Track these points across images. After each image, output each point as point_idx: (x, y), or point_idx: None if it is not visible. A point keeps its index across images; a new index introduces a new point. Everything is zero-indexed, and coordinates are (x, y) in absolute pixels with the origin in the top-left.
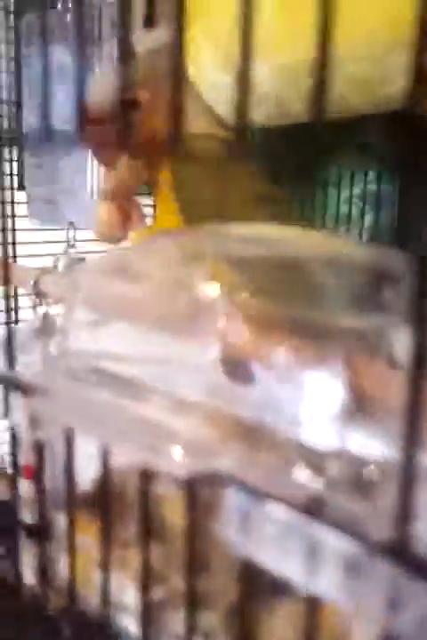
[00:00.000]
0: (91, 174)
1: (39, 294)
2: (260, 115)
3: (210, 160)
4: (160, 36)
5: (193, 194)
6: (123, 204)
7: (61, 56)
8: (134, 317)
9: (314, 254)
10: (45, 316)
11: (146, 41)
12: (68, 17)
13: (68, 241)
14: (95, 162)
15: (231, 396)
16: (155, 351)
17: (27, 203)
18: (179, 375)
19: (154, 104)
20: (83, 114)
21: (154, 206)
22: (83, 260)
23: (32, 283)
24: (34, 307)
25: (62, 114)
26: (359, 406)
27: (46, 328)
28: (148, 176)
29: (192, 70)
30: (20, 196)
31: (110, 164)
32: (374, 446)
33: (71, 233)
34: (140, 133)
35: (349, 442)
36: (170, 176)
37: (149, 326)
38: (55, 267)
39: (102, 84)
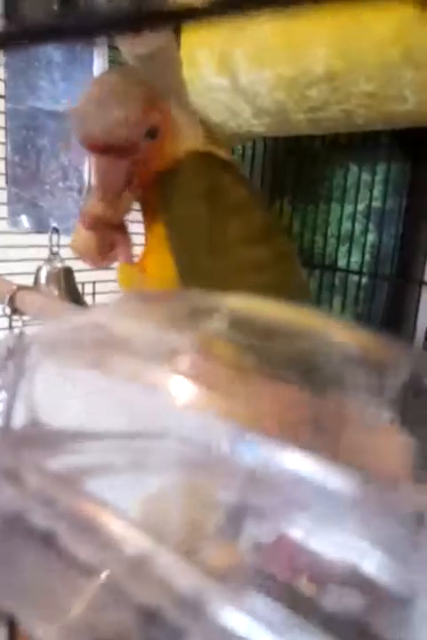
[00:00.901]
0: (77, 178)
1: (15, 311)
2: (261, 125)
3: (205, 187)
4: (152, 40)
5: (186, 227)
6: (104, 233)
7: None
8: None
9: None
10: (19, 336)
11: (137, 46)
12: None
13: (51, 247)
14: (82, 165)
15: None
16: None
17: (7, 204)
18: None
19: (167, 123)
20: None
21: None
22: (68, 269)
23: (7, 298)
24: (9, 324)
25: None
26: None
27: (18, 350)
28: (140, 204)
29: (187, 73)
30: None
31: (112, 197)
32: None
33: (55, 238)
34: (156, 161)
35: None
36: (160, 204)
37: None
38: (37, 277)
39: (102, 112)
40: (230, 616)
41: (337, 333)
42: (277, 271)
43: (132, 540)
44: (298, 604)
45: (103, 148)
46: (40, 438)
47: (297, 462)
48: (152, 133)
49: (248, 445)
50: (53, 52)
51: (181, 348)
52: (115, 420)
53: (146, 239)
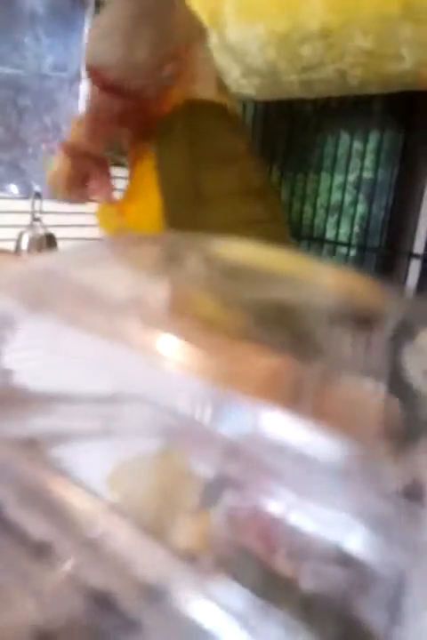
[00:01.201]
0: (60, 140)
1: None
2: (250, 86)
3: (202, 134)
4: None
5: (180, 176)
6: (82, 163)
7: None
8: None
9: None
10: None
11: None
12: None
13: (33, 212)
14: (64, 126)
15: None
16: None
17: None
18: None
19: (184, 69)
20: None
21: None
22: (51, 236)
23: None
24: None
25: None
26: None
27: None
28: (127, 145)
29: None
30: None
31: (99, 133)
32: None
33: (37, 204)
34: (163, 107)
35: None
36: (154, 149)
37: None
38: (18, 244)
39: (110, 43)
40: (195, 605)
41: (324, 280)
42: (270, 230)
43: (92, 516)
44: (275, 586)
45: (108, 87)
46: (4, 397)
47: (277, 427)
48: (165, 82)
49: (225, 410)
50: (38, 8)
51: (156, 300)
52: (84, 380)
53: (130, 181)
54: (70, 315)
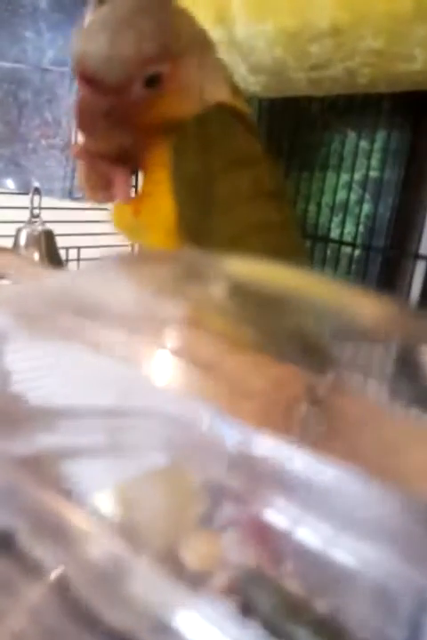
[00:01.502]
0: (61, 135)
1: None
2: (257, 84)
3: (220, 140)
4: None
5: (195, 181)
6: (99, 165)
7: None
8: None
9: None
10: None
11: None
12: None
13: (31, 208)
14: (65, 122)
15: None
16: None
17: None
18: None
19: (177, 79)
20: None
21: (139, 178)
22: (49, 232)
23: None
24: None
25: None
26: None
27: None
28: (136, 148)
29: None
30: None
31: (89, 131)
32: None
33: (36, 199)
34: (151, 114)
35: None
36: (167, 151)
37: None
38: (16, 240)
39: (98, 38)
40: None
41: (342, 304)
42: (284, 236)
43: (101, 543)
44: (289, 607)
45: (88, 79)
46: (8, 415)
47: (285, 455)
48: (152, 81)
49: (232, 430)
50: (40, 1)
51: (169, 318)
52: (92, 396)
53: (144, 182)
54: (75, 329)
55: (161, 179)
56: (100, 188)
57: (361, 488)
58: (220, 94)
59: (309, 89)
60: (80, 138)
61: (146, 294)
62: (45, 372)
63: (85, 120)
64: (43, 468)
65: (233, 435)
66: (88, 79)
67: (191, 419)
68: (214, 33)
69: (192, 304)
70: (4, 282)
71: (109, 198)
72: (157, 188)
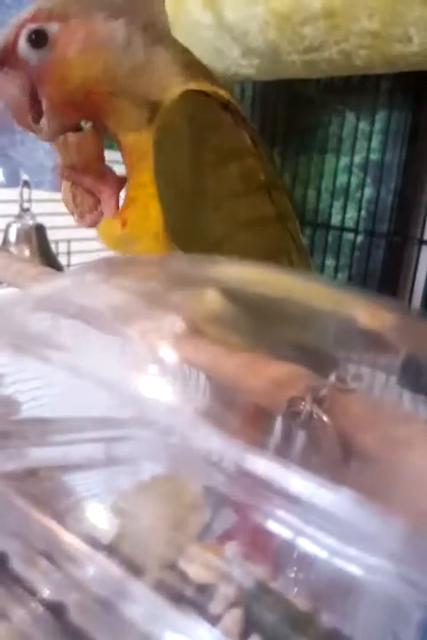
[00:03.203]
0: None
1: None
2: (250, 67)
3: (199, 130)
4: None
5: (182, 178)
6: (85, 182)
7: None
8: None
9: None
10: None
11: None
12: None
13: (21, 201)
14: None
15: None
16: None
17: None
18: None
19: (66, 42)
20: None
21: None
22: (40, 226)
23: None
24: None
25: None
26: None
27: None
28: (121, 148)
29: (171, 8)
30: None
31: (24, 121)
32: None
33: (26, 193)
34: (48, 82)
35: None
36: (148, 147)
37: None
38: (6, 235)
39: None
40: None
41: (339, 306)
42: (277, 231)
43: (97, 565)
44: (293, 620)
45: None
46: (5, 430)
47: (277, 472)
48: (37, 41)
49: (225, 444)
50: None
51: (162, 326)
52: (85, 408)
53: (127, 190)
54: (70, 339)
55: (145, 182)
56: (87, 208)
57: (355, 508)
58: (181, 75)
59: (303, 72)
60: (59, 158)
61: (137, 302)
62: (38, 384)
63: (12, 107)
64: (36, 484)
65: (226, 448)
66: None
67: (185, 431)
68: (204, 17)
69: (186, 312)
70: None
71: (97, 219)
72: (142, 191)
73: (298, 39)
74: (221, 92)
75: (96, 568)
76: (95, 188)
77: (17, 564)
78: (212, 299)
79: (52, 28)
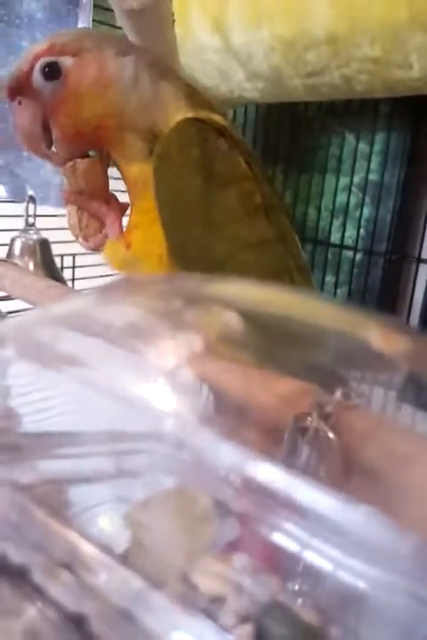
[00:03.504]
0: None
1: None
2: (254, 90)
3: (199, 156)
4: None
5: (183, 202)
6: (90, 207)
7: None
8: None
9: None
10: None
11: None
12: None
13: (27, 217)
14: None
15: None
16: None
17: None
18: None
19: (79, 75)
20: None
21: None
22: (44, 240)
23: None
24: None
25: None
26: None
27: None
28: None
29: (179, 32)
30: None
31: (33, 149)
32: None
33: (31, 208)
34: (60, 114)
35: None
36: (148, 174)
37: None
38: (11, 249)
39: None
40: None
41: (350, 326)
42: (277, 252)
43: (115, 577)
44: (302, 635)
45: (8, 89)
46: (16, 443)
47: (286, 483)
48: (50, 73)
49: (234, 455)
50: (36, 10)
51: (178, 343)
52: (100, 421)
53: (131, 213)
54: (81, 353)
55: (148, 207)
56: (92, 232)
57: (366, 522)
58: (182, 105)
59: (306, 95)
60: (65, 183)
61: (153, 320)
62: (50, 398)
63: (23, 136)
64: (51, 497)
65: (235, 462)
66: (6, 92)
67: (195, 444)
68: (211, 41)
69: (198, 330)
70: None
71: (101, 242)
72: (145, 216)
73: (301, 64)
74: (217, 119)
75: (115, 578)
76: (100, 213)
77: (38, 576)
78: (226, 318)
79: (66, 61)
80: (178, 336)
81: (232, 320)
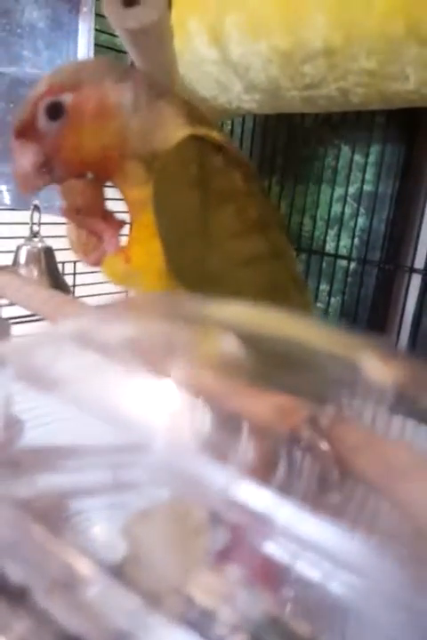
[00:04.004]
0: None
1: None
2: (252, 102)
3: (197, 173)
4: (145, 13)
5: (183, 219)
6: (88, 223)
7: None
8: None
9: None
10: None
11: (128, 19)
12: None
13: (31, 225)
14: None
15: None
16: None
17: None
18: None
19: (81, 110)
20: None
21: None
22: (49, 248)
23: None
24: None
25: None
26: None
27: None
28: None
29: (177, 45)
30: None
31: (26, 186)
32: None
33: (36, 216)
34: (64, 150)
35: None
36: (148, 193)
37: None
38: (16, 257)
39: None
40: None
41: (338, 349)
42: (274, 267)
43: (116, 605)
44: None
45: (13, 131)
46: (15, 457)
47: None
48: (54, 113)
49: (225, 474)
50: (38, 20)
51: (175, 360)
52: (92, 433)
53: (131, 228)
54: (79, 366)
55: (148, 222)
56: (91, 247)
57: (351, 544)
58: (180, 123)
59: (303, 107)
60: (64, 202)
61: (150, 338)
62: (47, 414)
63: (19, 173)
64: (49, 512)
65: (227, 477)
66: (12, 130)
67: (188, 459)
68: (209, 52)
69: (195, 350)
70: (3, 301)
71: (101, 257)
72: (144, 232)
73: (299, 76)
74: (215, 135)
75: (113, 597)
76: (98, 229)
77: (37, 596)
78: (223, 340)
79: (67, 98)
80: (175, 354)
81: (229, 342)
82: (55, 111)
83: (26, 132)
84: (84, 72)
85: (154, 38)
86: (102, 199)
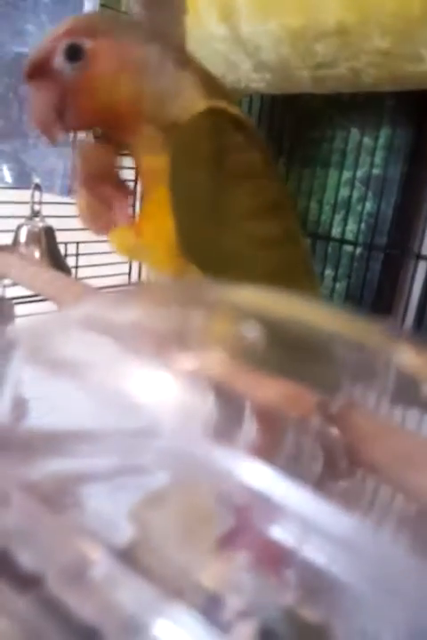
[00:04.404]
0: None
1: None
2: (261, 81)
3: (215, 148)
4: None
5: (198, 195)
6: (100, 191)
7: None
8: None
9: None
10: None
11: None
12: None
13: (32, 204)
14: None
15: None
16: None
17: None
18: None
19: (101, 57)
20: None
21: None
22: (50, 228)
23: None
24: None
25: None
26: None
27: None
28: (134, 161)
29: (187, 21)
30: None
31: (45, 131)
32: None
33: (37, 195)
34: (80, 96)
35: None
36: (164, 164)
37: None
38: (16, 236)
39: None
40: None
41: (351, 335)
42: (287, 251)
43: (126, 590)
44: (303, 633)
45: (26, 71)
46: (24, 441)
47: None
48: (73, 55)
49: (232, 458)
50: None
51: (174, 337)
52: (100, 417)
53: (143, 202)
54: (87, 350)
55: (161, 198)
56: (101, 215)
57: (360, 530)
58: (197, 95)
59: (313, 87)
60: (78, 167)
61: (160, 324)
62: (58, 396)
63: (37, 118)
64: (59, 497)
65: (235, 462)
66: (26, 72)
67: (196, 443)
68: (219, 30)
69: (207, 336)
70: (6, 281)
71: (109, 225)
72: (157, 207)
73: (310, 55)
74: (235, 111)
75: (122, 582)
76: (111, 197)
77: (53, 586)
78: (242, 326)
79: (88, 43)
80: (186, 339)
81: (251, 327)
82: (74, 53)
83: (41, 71)
84: (111, 23)
85: (167, 10)
86: (117, 167)
